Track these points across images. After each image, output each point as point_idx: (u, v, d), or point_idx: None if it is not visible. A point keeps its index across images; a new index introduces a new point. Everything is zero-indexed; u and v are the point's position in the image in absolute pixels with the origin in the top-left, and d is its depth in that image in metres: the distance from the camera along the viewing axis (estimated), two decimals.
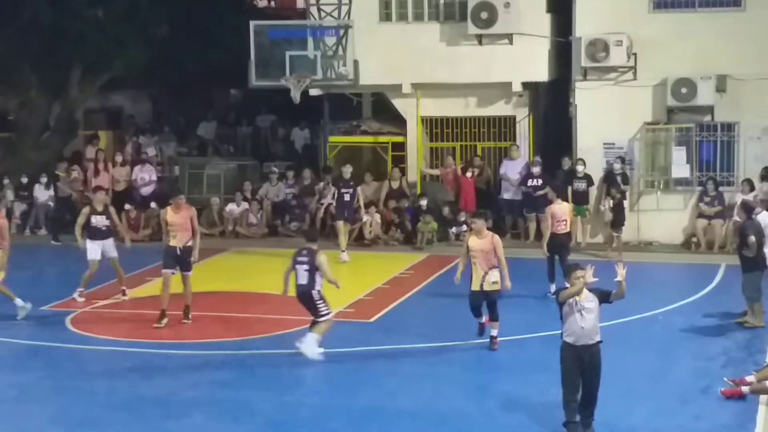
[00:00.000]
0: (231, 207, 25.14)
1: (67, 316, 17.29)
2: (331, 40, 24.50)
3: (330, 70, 24.46)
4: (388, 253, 22.71)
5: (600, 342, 11.28)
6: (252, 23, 24.44)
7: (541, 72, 24.20)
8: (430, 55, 24.24)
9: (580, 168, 23.07)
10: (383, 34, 24.47)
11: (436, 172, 25.13)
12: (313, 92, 25.00)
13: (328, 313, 14.51)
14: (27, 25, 27.14)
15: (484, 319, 15.25)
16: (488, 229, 15.41)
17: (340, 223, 22.00)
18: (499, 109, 24.80)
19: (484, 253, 14.87)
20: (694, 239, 22.77)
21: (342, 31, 24.26)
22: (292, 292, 14.60)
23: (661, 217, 23.29)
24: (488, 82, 24.08)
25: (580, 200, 22.99)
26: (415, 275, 20.47)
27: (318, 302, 14.44)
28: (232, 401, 12.83)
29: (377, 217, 23.93)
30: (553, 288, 17.94)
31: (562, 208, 18.61)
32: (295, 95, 24.01)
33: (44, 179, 25.66)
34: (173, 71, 29.72)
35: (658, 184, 23.38)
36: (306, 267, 14.33)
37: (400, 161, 25.37)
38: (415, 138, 24.96)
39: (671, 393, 13.15)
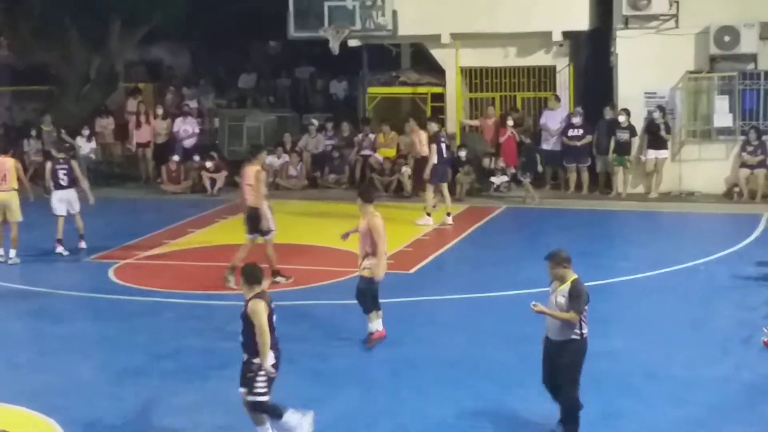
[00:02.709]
0: (271, 159, 25.18)
1: (110, 268, 17.47)
2: None
3: (369, 20, 24.35)
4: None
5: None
6: None
7: (581, 21, 23.93)
8: (470, 5, 24.02)
9: (622, 118, 22.87)
10: None
11: (475, 122, 25.03)
12: (352, 43, 24.92)
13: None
14: None
15: (376, 327, 13.26)
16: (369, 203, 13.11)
17: (445, 186, 20.70)
18: (539, 59, 24.60)
19: (362, 235, 13.05)
20: (737, 189, 22.56)
21: None
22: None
23: (703, 167, 23.07)
24: (528, 31, 23.86)
25: (622, 150, 22.85)
26: (454, 227, 20.46)
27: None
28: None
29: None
30: None
31: None
32: (334, 46, 23.95)
33: (86, 132, 25.83)
34: (212, 23, 29.69)
35: (700, 133, 23.15)
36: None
37: (439, 112, 25.26)
38: (454, 89, 24.84)
39: (712, 342, 13.13)
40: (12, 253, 18.01)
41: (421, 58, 26.10)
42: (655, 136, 22.72)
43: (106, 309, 15.32)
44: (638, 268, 16.84)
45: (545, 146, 23.92)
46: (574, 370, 10.02)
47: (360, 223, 13.07)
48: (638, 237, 20.17)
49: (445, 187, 20.63)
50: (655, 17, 22.92)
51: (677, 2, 22.73)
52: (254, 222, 15.87)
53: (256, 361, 9.68)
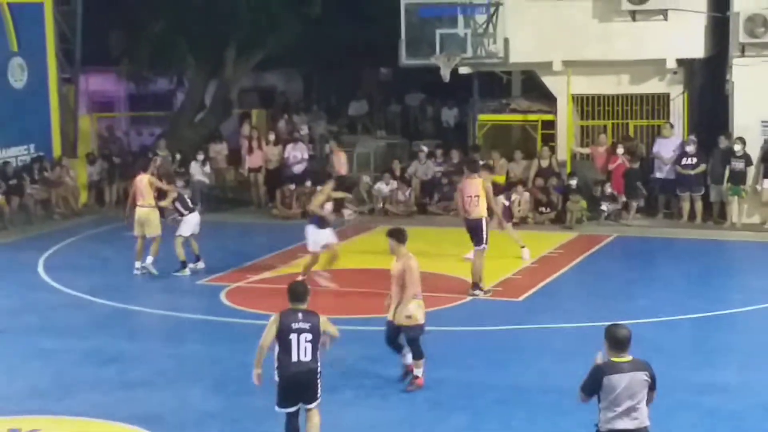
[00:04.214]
0: (380, 185, 25.32)
1: (222, 290, 17.72)
2: (481, 18, 24.35)
3: (480, 47, 24.35)
4: (537, 232, 22.53)
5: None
6: (403, 1, 24.47)
7: (696, 48, 23.58)
8: (582, 32, 23.86)
9: (738, 147, 22.42)
10: (534, 10, 24.18)
11: (586, 150, 24.81)
12: (463, 70, 24.93)
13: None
14: (183, 6, 27.82)
15: (408, 358, 12.65)
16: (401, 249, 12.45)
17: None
18: (653, 86, 24.28)
19: (395, 278, 12.36)
20: None
21: (492, 9, 24.09)
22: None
23: None
24: (641, 59, 23.58)
25: (737, 180, 22.40)
26: (564, 254, 20.29)
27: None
28: (380, 377, 12.97)
29: (526, 196, 23.76)
30: None
31: None
32: (445, 73, 24.00)
33: (200, 157, 26.31)
34: (324, 50, 30.05)
35: None
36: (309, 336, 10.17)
37: (549, 139, 25.13)
38: (565, 116, 24.66)
39: None
40: (149, 260, 18.78)
41: (532, 85, 26.00)
42: None
43: (218, 331, 15.54)
44: (753, 300, 16.46)
45: (658, 174, 23.57)
46: None
47: (393, 266, 12.42)
48: (753, 268, 19.73)
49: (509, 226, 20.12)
50: None
51: None
52: (479, 233, 16.61)
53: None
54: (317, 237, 17.42)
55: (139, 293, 17.87)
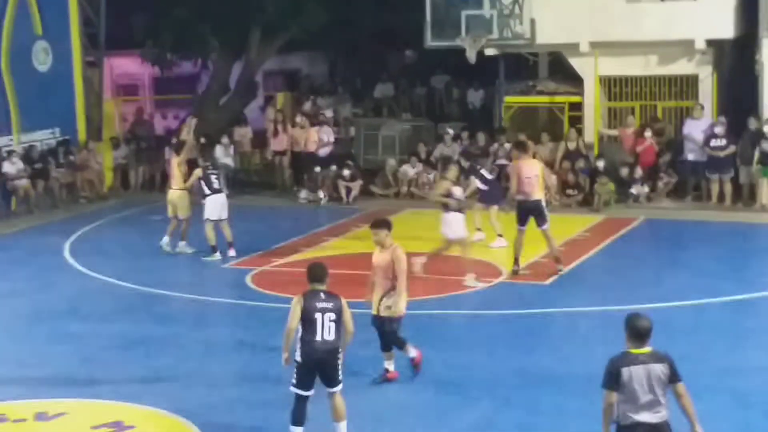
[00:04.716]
0: (405, 168, 25.22)
1: (248, 274, 17.70)
2: None
3: (506, 29, 24.21)
4: (564, 215, 22.35)
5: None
6: None
7: (725, 29, 23.33)
8: (609, 13, 23.66)
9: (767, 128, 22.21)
10: None
11: (614, 132, 24.62)
12: (489, 52, 24.80)
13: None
14: None
15: (412, 351, 12.28)
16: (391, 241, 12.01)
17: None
18: (681, 67, 24.08)
19: (381, 269, 11.92)
20: None
21: None
22: None
23: None
24: (670, 39, 23.37)
25: (767, 161, 22.16)
26: (591, 237, 20.15)
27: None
28: (405, 360, 12.87)
29: (553, 179, 23.57)
30: None
31: None
32: (471, 55, 23.86)
33: (225, 140, 26.28)
34: (349, 32, 29.93)
35: None
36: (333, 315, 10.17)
37: (576, 121, 24.96)
38: (592, 98, 24.49)
39: None
40: (181, 243, 19.04)
41: (559, 66, 25.82)
42: None
43: (244, 315, 15.53)
44: None
45: (689, 156, 23.36)
46: None
47: (376, 256, 11.97)
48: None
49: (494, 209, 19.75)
50: None
51: None
52: (542, 212, 16.60)
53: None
54: (457, 225, 16.63)
55: (165, 277, 17.86)
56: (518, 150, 17.54)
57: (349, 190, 24.69)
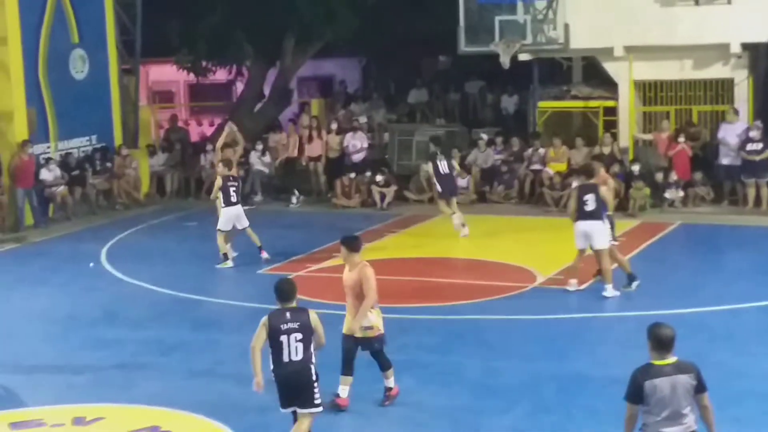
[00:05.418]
0: None
1: None
2: (541, 4, 24.20)
3: (540, 34, 24.18)
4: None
5: None
6: None
7: (761, 32, 23.15)
8: (643, 17, 23.58)
9: None
10: None
11: (648, 137, 24.52)
12: (523, 57, 24.77)
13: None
14: None
15: (390, 381, 11.65)
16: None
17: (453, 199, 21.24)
18: (717, 71, 23.93)
19: (350, 289, 11.35)
20: None
21: None
22: None
23: None
24: (704, 43, 23.25)
25: None
26: (627, 242, 20.01)
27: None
28: (440, 365, 12.91)
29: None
30: None
31: None
32: (504, 60, 23.85)
33: (260, 146, 26.39)
34: (383, 38, 30.00)
35: None
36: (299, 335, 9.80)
37: (611, 126, 24.88)
38: (627, 102, 24.40)
39: None
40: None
41: (593, 71, 25.74)
42: None
43: None
44: None
45: (724, 161, 23.23)
46: None
47: (345, 275, 11.39)
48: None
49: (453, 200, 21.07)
50: None
51: None
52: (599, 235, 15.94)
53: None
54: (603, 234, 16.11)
55: (200, 283, 17.95)
56: (585, 176, 16.39)
57: (383, 196, 24.72)
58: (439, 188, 21.23)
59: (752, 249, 19.47)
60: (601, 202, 15.83)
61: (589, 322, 15.02)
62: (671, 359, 7.92)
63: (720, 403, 8.31)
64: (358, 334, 11.29)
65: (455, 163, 21.98)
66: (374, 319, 11.31)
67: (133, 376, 13.02)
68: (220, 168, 18.98)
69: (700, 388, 7.92)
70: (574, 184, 22.48)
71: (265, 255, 18.87)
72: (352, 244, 11.35)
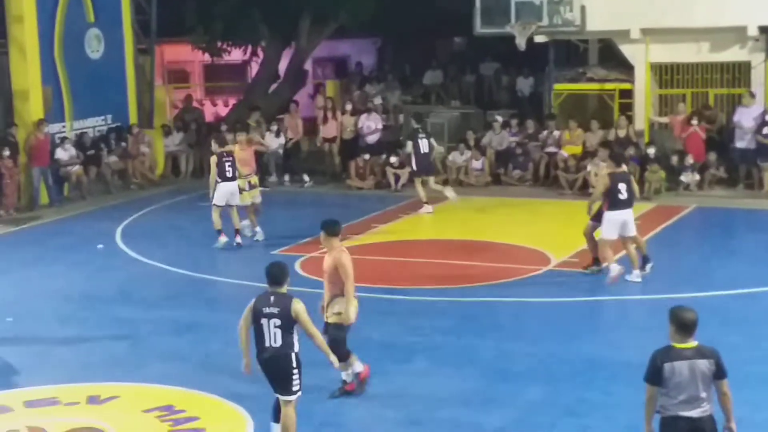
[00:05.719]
0: (454, 156, 25.19)
1: (297, 260, 17.77)
2: None
3: (556, 16, 24.08)
4: None
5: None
6: None
7: None
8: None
9: None
10: None
11: (665, 119, 24.42)
12: (538, 39, 24.67)
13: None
14: None
15: (358, 366, 11.45)
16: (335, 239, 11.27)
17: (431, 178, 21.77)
18: (734, 54, 23.80)
19: (327, 274, 11.24)
20: None
21: None
22: None
23: None
24: (722, 26, 23.12)
25: None
26: (642, 225, 19.82)
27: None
28: (453, 347, 12.93)
29: (603, 166, 23.41)
30: None
31: None
32: (520, 42, 23.77)
33: (274, 127, 26.37)
34: (398, 20, 29.90)
35: None
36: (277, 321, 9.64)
37: (627, 109, 24.79)
38: (643, 85, 24.30)
39: None
40: (244, 223, 19.14)
41: (609, 53, 25.63)
42: None
43: None
44: None
45: (739, 144, 23.13)
46: None
47: (325, 260, 11.26)
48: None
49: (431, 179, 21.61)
50: None
51: None
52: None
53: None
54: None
55: (214, 263, 18.00)
56: (614, 161, 16.15)
57: (397, 177, 24.70)
58: (414, 166, 21.63)
59: (767, 232, 19.41)
60: (631, 191, 15.80)
61: (602, 305, 15.01)
62: (692, 343, 7.91)
63: (734, 386, 8.26)
64: (329, 319, 11.19)
65: (434, 142, 22.29)
66: (344, 308, 11.10)
67: (147, 355, 13.08)
68: (214, 146, 19.00)
69: (719, 374, 7.89)
70: (589, 167, 22.58)
71: (238, 239, 18.78)
72: (331, 228, 11.18)
